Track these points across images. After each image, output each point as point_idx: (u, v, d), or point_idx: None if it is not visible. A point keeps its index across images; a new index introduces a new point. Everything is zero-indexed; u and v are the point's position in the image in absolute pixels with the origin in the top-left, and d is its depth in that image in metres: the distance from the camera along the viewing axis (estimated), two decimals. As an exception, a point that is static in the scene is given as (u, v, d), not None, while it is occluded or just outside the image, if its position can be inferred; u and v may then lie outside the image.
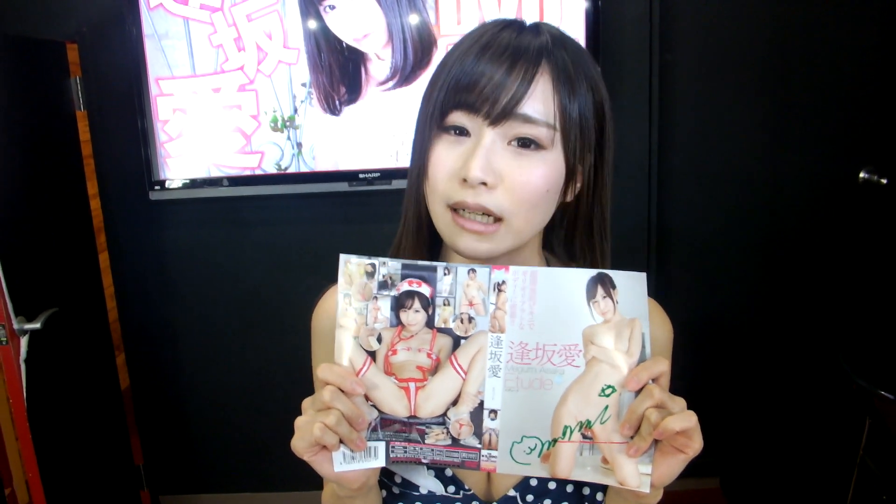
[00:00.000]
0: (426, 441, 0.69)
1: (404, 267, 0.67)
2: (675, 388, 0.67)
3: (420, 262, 0.67)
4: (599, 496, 0.81)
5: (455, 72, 0.72)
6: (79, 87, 2.23)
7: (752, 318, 2.51)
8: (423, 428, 0.68)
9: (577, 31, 2.09)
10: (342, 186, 2.23)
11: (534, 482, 0.81)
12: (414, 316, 0.67)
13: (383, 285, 0.67)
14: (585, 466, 0.67)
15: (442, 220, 0.74)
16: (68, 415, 2.07)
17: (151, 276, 2.48)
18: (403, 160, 2.17)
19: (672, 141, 2.35)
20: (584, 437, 0.67)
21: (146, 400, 2.56)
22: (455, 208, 0.72)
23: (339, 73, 2.15)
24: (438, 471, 0.81)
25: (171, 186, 2.24)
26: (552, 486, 0.81)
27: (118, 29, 2.17)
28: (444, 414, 0.68)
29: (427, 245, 0.82)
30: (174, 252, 2.46)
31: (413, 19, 2.10)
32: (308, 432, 0.65)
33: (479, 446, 0.68)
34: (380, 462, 0.69)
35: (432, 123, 0.74)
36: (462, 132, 0.72)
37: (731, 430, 2.50)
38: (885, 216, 2.33)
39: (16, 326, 1.80)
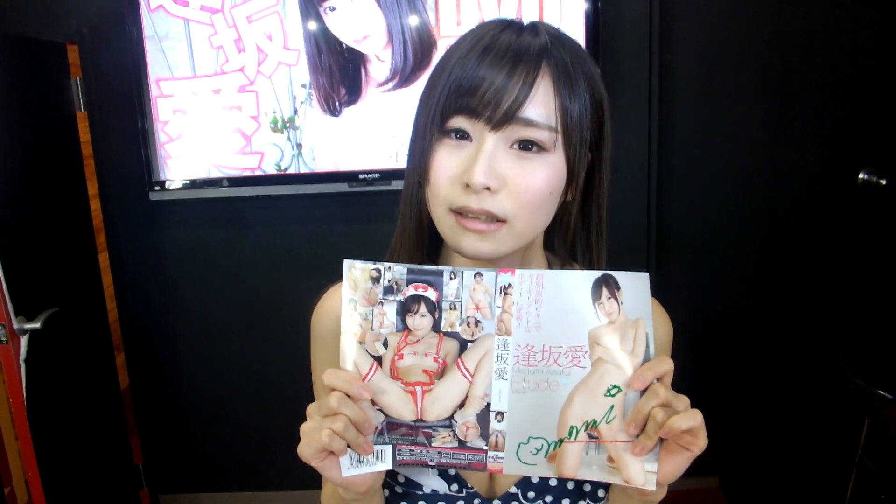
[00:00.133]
0: (433, 444, 0.69)
1: (410, 272, 0.67)
2: (674, 387, 0.67)
3: (426, 267, 0.67)
4: (601, 492, 0.82)
5: (456, 75, 0.71)
6: (79, 87, 2.23)
7: (750, 318, 2.51)
8: (430, 431, 0.69)
9: (576, 31, 2.09)
10: (342, 187, 2.23)
11: (535, 479, 0.81)
12: (420, 320, 0.67)
13: (389, 290, 0.67)
14: (591, 466, 0.68)
15: (445, 223, 0.74)
16: (68, 414, 2.07)
17: (151, 276, 2.48)
18: (403, 161, 2.16)
19: (672, 141, 2.36)
20: (590, 436, 0.67)
21: (146, 399, 2.56)
22: (458, 211, 0.72)
23: (339, 74, 2.15)
24: (442, 469, 0.81)
25: (172, 187, 2.24)
26: (553, 482, 0.81)
27: (118, 30, 2.17)
28: (451, 417, 0.68)
29: (427, 247, 0.82)
30: (174, 252, 2.46)
31: (413, 20, 2.10)
32: (315, 438, 0.65)
33: (486, 448, 0.69)
34: (387, 465, 0.69)
35: (433, 127, 0.73)
36: (463, 136, 0.72)
37: (730, 430, 2.51)
38: (885, 217, 2.34)
39: (16, 326, 1.80)
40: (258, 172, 2.22)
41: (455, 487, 0.81)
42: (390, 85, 2.15)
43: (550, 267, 0.86)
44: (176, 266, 2.47)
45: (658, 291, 0.72)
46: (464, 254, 0.74)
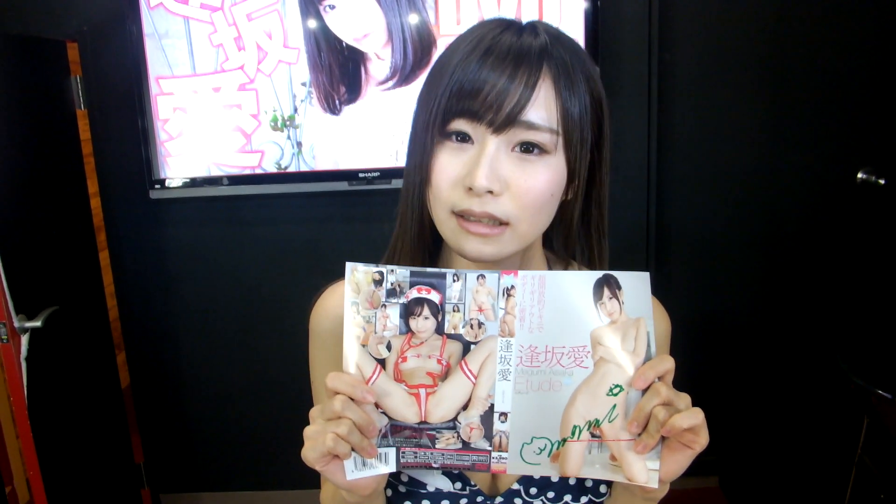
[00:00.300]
0: (437, 446, 0.69)
1: (413, 274, 0.67)
2: (674, 386, 0.67)
3: (429, 269, 0.67)
4: (603, 488, 0.82)
5: (457, 77, 0.71)
6: (79, 85, 2.23)
7: (750, 318, 2.52)
8: (434, 433, 0.69)
9: (576, 31, 2.09)
10: (342, 186, 2.23)
11: (537, 476, 0.81)
12: (423, 323, 0.67)
13: (392, 293, 0.67)
14: (594, 464, 0.68)
15: (447, 225, 0.74)
16: (69, 413, 2.07)
17: (152, 274, 2.48)
18: (403, 160, 2.17)
19: (672, 141, 2.36)
20: (593, 435, 0.68)
21: (146, 398, 2.56)
22: (460, 214, 0.72)
23: (338, 72, 2.15)
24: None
25: (172, 185, 2.24)
26: (555, 478, 0.82)
27: (119, 28, 2.17)
28: (455, 418, 0.69)
29: (428, 248, 0.82)
30: (174, 251, 2.46)
31: (413, 19, 2.11)
32: (319, 442, 0.65)
33: (490, 449, 0.69)
34: (391, 468, 0.69)
35: (433, 129, 0.73)
36: (465, 139, 0.72)
37: (729, 429, 2.51)
38: (883, 216, 2.34)
39: (16, 324, 1.80)
40: (258, 171, 2.23)
41: (458, 485, 0.82)
42: (390, 83, 2.15)
43: (550, 266, 0.86)
44: (176, 264, 2.47)
45: (658, 291, 0.72)
46: (467, 256, 0.74)
